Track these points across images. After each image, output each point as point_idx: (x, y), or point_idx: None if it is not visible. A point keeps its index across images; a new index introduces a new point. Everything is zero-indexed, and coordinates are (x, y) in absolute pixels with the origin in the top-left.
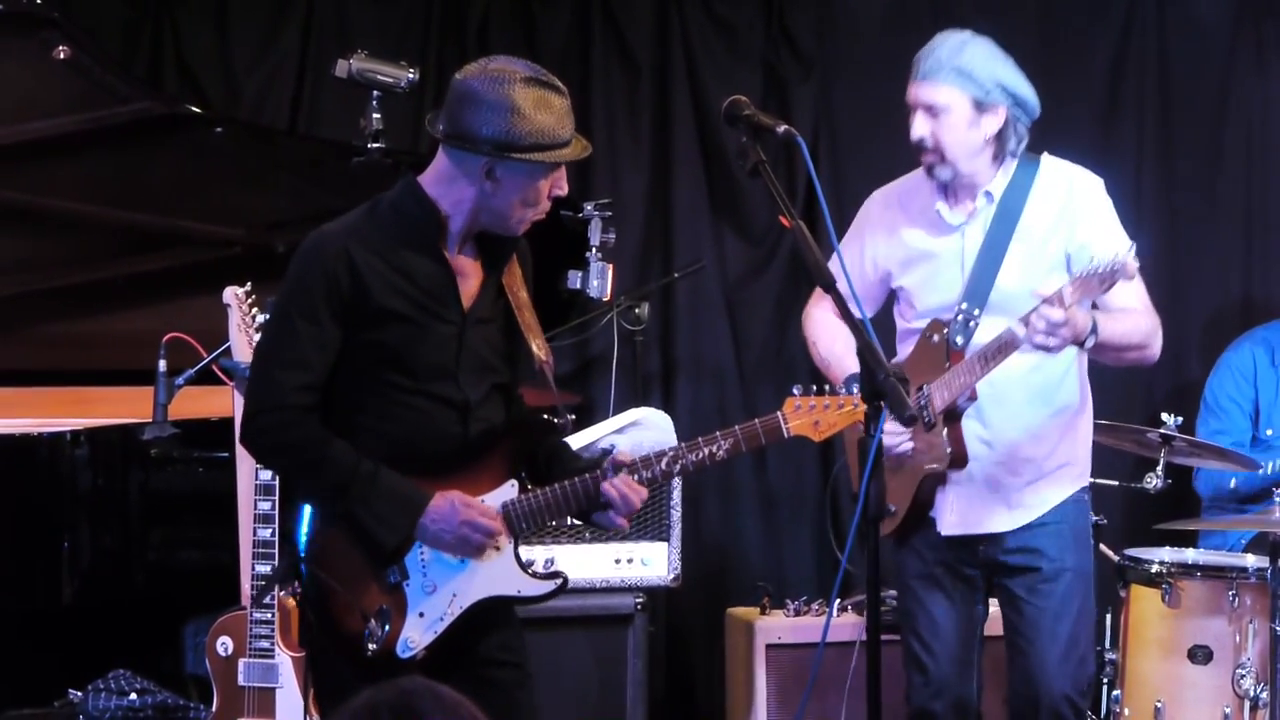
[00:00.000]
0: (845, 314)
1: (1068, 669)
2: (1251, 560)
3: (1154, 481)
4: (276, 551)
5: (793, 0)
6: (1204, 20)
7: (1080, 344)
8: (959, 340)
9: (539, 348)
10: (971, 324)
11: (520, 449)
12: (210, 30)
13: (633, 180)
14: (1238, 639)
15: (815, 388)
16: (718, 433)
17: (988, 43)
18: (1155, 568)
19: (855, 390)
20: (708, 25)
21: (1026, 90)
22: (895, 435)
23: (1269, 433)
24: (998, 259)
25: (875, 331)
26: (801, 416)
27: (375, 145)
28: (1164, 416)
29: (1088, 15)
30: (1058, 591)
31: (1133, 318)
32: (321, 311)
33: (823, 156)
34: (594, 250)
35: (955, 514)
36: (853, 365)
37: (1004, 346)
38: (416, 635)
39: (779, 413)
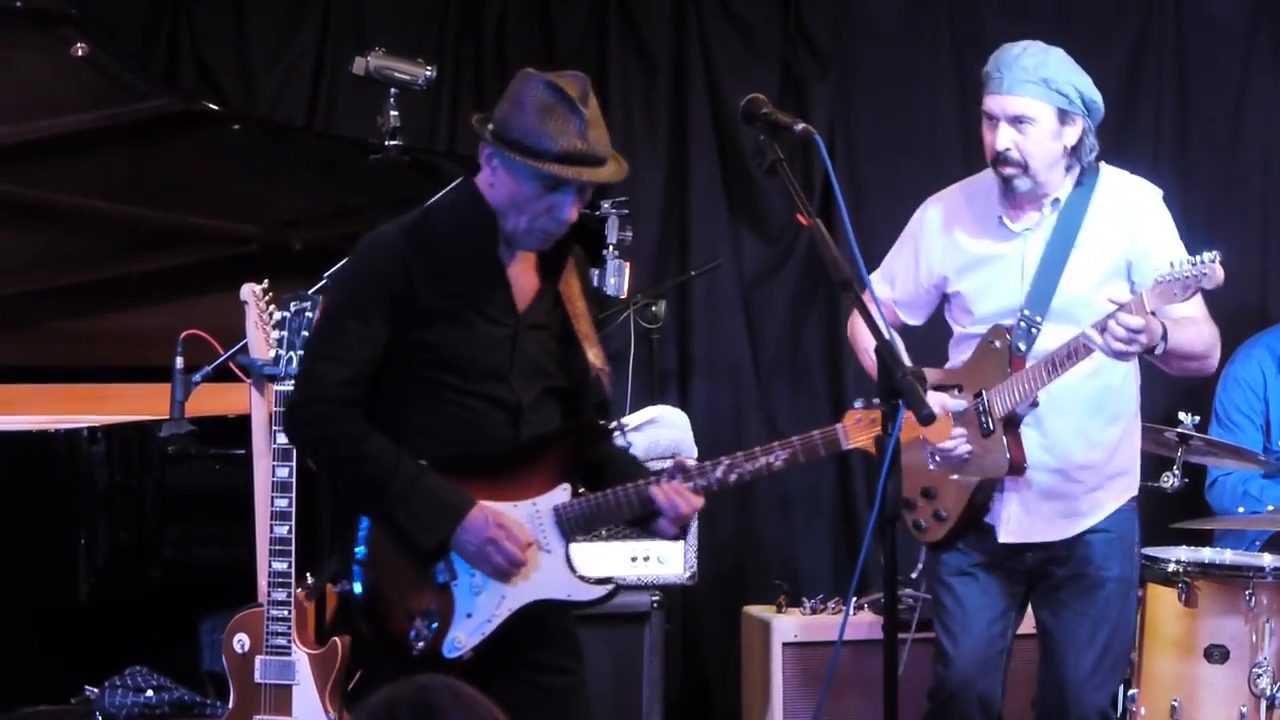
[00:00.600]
0: (863, 312)
1: (1099, 679)
2: (1268, 560)
3: (1171, 480)
4: (293, 548)
5: None
6: (1221, 20)
7: (1151, 351)
8: (1021, 346)
9: (595, 356)
10: (1034, 330)
11: (574, 453)
12: (228, 28)
13: (650, 178)
14: (1254, 638)
15: (876, 400)
16: (775, 443)
17: (1063, 52)
18: (1172, 567)
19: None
20: (725, 23)
21: (1099, 99)
22: (955, 439)
23: None
24: (1060, 266)
25: (927, 336)
26: (862, 430)
27: (392, 143)
28: (1181, 416)
29: (1105, 14)
30: (1099, 600)
31: (1197, 326)
32: (370, 309)
33: (839, 155)
34: (611, 248)
35: (1013, 522)
36: None
37: (1074, 353)
38: (464, 636)
39: (839, 425)
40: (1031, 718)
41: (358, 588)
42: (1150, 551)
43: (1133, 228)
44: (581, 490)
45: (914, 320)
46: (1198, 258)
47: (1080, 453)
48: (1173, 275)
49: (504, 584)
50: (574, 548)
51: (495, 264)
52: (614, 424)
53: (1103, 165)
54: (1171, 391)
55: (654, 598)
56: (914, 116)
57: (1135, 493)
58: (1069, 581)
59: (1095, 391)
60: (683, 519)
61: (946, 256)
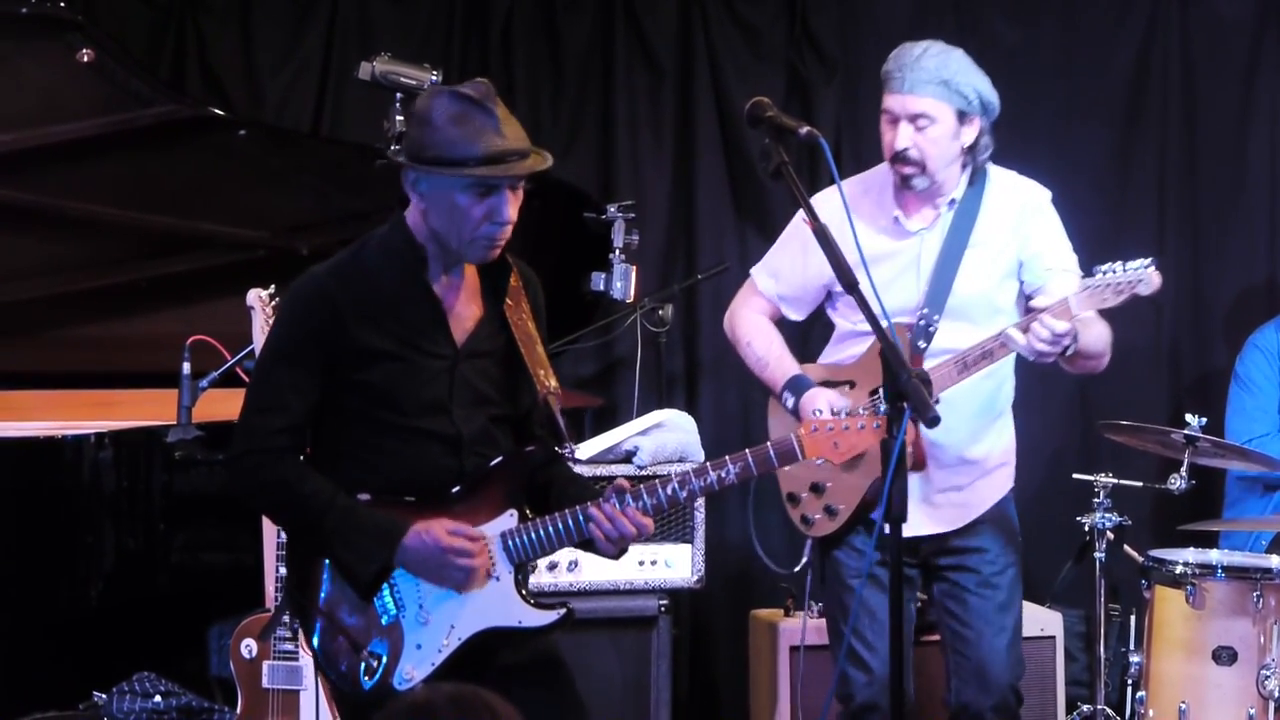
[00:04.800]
0: (869, 315)
1: (1012, 660)
2: (1276, 561)
3: (1178, 482)
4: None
5: (816, 2)
6: (1227, 21)
7: (1063, 353)
8: (921, 344)
9: (543, 378)
10: (931, 329)
11: (518, 479)
12: (234, 33)
13: (656, 182)
14: (1262, 640)
15: (793, 417)
16: (727, 457)
17: (964, 53)
18: (1179, 569)
19: (880, 409)
20: (731, 27)
21: (996, 100)
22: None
23: None
24: (955, 265)
25: (797, 334)
26: (819, 438)
27: (398, 147)
28: (1188, 418)
29: (1111, 17)
30: (1004, 585)
31: (1098, 326)
32: (301, 355)
33: (845, 158)
34: (617, 252)
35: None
36: (792, 367)
37: (990, 353)
38: (412, 667)
39: (793, 435)
40: (943, 715)
41: (310, 627)
42: (1157, 553)
43: (1025, 229)
44: (529, 515)
45: (796, 316)
46: (1132, 264)
47: (968, 449)
48: (1104, 281)
49: (452, 612)
50: (583, 555)
51: (429, 296)
52: (562, 447)
53: (990, 165)
54: (1177, 394)
55: (662, 602)
56: None
57: (1013, 483)
58: (970, 573)
59: (988, 391)
60: (628, 540)
61: None
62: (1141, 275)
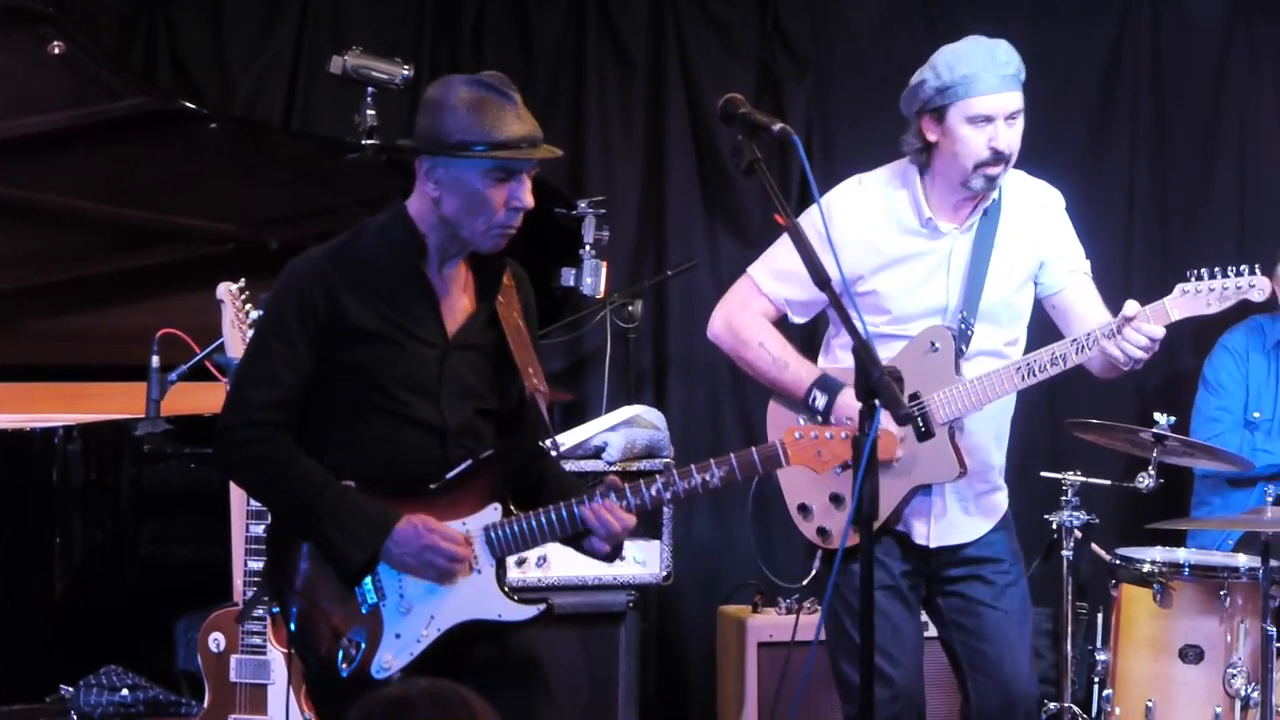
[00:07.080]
0: (841, 312)
1: (1032, 669)
2: (1243, 560)
3: (1146, 481)
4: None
5: None
6: (1197, 21)
7: None
8: (963, 348)
9: (532, 377)
10: (969, 332)
11: (503, 473)
12: (205, 26)
13: (626, 178)
14: (1229, 639)
15: (821, 417)
16: (712, 460)
17: None
18: (1147, 567)
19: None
20: (702, 23)
21: None
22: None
23: (1256, 415)
24: (985, 266)
25: (796, 336)
26: (803, 447)
27: (369, 142)
28: (1156, 416)
29: (1082, 16)
30: (1019, 595)
31: None
32: (294, 332)
33: (816, 155)
34: (587, 247)
35: (938, 525)
36: (816, 368)
37: (1060, 359)
38: (391, 656)
39: (778, 441)
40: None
41: (289, 611)
42: (1125, 552)
43: (1044, 231)
44: (513, 510)
45: (801, 319)
46: (1235, 270)
47: (989, 453)
48: (1205, 286)
49: (432, 603)
50: (555, 548)
51: (424, 284)
52: (548, 444)
53: None
54: (1146, 386)
55: (630, 597)
56: (891, 117)
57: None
58: (986, 583)
59: (1010, 396)
60: (615, 538)
61: (861, 257)
62: (1254, 281)
